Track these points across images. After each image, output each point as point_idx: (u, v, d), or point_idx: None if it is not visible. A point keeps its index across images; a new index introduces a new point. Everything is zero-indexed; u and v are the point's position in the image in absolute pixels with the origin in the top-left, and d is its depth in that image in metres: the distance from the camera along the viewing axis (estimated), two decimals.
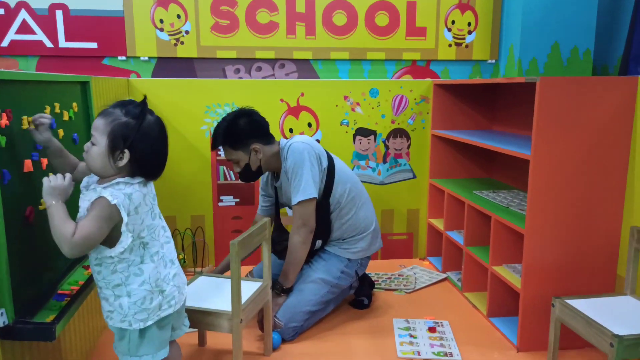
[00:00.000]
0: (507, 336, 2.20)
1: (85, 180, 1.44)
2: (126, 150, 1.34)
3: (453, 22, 3.11)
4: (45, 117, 1.44)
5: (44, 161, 1.51)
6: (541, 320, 2.06)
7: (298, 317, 2.19)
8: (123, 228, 1.32)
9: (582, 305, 1.79)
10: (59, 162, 1.51)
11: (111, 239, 1.34)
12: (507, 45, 3.07)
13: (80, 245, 1.28)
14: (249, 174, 2.28)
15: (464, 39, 3.14)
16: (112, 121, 1.34)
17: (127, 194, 1.33)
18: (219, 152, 2.92)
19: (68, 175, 1.34)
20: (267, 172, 2.42)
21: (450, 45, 3.14)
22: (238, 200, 3.00)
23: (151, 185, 1.47)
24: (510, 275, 2.21)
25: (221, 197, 2.99)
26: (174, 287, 1.47)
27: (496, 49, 3.18)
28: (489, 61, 3.20)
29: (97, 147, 1.34)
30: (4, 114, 1.30)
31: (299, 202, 2.17)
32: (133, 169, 1.38)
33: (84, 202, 1.35)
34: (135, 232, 1.36)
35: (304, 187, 2.17)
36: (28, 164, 1.42)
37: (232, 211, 3.01)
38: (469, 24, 3.13)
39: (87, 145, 1.36)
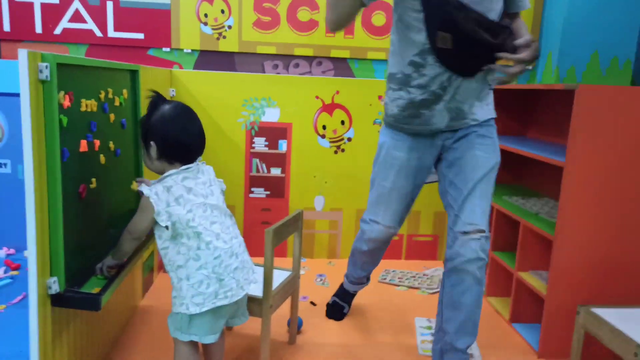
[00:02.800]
0: (528, 342, 2.22)
1: None
2: (151, 142, 1.51)
3: None
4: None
5: (97, 142, 1.61)
6: (565, 327, 2.07)
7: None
8: (156, 217, 1.47)
9: (609, 314, 1.80)
10: None
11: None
12: (545, 53, 3.06)
13: (131, 232, 1.54)
14: None
15: None
16: (139, 126, 1.58)
17: (166, 186, 1.49)
18: (253, 145, 3.01)
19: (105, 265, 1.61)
20: None
21: None
22: (269, 192, 3.08)
23: (209, 181, 1.59)
24: (536, 281, 2.22)
25: (252, 189, 3.07)
26: (233, 279, 1.54)
27: None
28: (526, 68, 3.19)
29: (143, 153, 1.57)
30: (67, 96, 1.40)
31: None
32: (167, 156, 1.53)
33: None
34: (180, 220, 1.48)
35: None
36: (84, 144, 1.52)
37: (262, 203, 3.10)
38: None
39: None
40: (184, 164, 1.54)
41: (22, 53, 1.22)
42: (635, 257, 2.06)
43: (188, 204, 1.50)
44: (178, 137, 1.53)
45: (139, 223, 1.51)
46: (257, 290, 1.83)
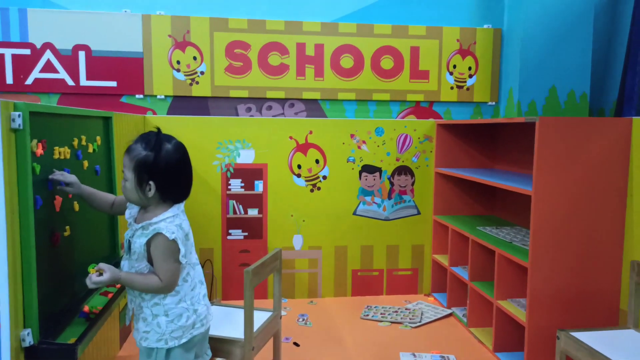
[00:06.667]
0: None
1: (127, 212, 1.55)
2: (151, 182, 1.44)
3: (454, 67, 3.27)
4: (59, 174, 1.52)
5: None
6: (546, 353, 2.09)
7: None
8: (181, 258, 1.45)
9: (587, 337, 1.83)
10: (95, 204, 1.64)
11: None
12: (507, 88, 3.21)
13: (172, 283, 1.46)
14: None
15: (465, 82, 3.29)
16: (134, 157, 1.44)
17: (178, 225, 1.46)
18: (229, 186, 3.02)
19: (105, 269, 1.40)
20: None
21: (452, 88, 3.28)
22: (247, 234, 3.07)
23: None
24: (515, 309, 2.24)
25: (230, 231, 3.06)
26: (204, 305, 1.56)
27: (496, 92, 3.32)
28: (490, 103, 3.34)
29: (129, 182, 1.45)
30: (39, 144, 1.40)
31: None
32: (162, 196, 1.48)
33: (141, 238, 1.44)
34: (185, 256, 1.48)
35: None
36: (59, 202, 1.51)
37: (240, 245, 3.07)
38: (470, 68, 3.28)
39: (122, 181, 1.48)
40: (176, 203, 1.52)
41: None
42: (606, 280, 2.11)
43: (190, 239, 1.53)
44: (180, 181, 1.51)
45: (174, 273, 1.43)
46: (237, 332, 1.80)
